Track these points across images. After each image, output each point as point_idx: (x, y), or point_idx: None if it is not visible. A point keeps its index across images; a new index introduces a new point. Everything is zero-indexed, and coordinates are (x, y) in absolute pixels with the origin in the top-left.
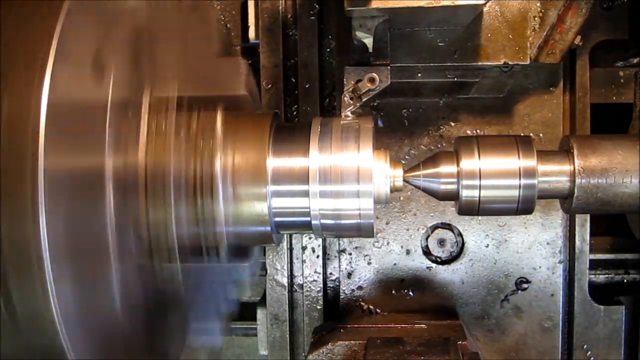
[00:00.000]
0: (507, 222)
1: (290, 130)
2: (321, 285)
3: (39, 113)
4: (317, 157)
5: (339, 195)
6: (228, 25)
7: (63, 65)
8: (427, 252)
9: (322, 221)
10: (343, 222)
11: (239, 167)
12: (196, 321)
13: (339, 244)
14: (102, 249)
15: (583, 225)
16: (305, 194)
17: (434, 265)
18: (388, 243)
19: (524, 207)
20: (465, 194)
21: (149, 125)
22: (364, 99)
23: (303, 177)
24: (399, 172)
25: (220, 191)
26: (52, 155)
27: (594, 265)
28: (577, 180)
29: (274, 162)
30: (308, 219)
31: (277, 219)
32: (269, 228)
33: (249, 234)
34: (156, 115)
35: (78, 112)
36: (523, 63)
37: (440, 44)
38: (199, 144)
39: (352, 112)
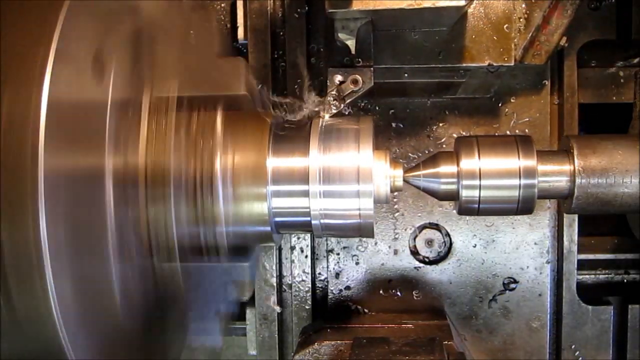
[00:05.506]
0: (494, 222)
1: (290, 130)
2: (310, 285)
3: (39, 113)
4: (317, 157)
5: (339, 195)
6: (228, 25)
7: (63, 65)
8: (414, 252)
9: (322, 221)
10: (343, 222)
11: (239, 167)
12: (196, 321)
13: (327, 244)
14: (102, 249)
15: (571, 226)
16: (306, 194)
17: (421, 265)
18: (376, 243)
19: (524, 207)
20: (465, 194)
21: (149, 124)
22: (348, 100)
23: (303, 177)
24: (398, 172)
25: (220, 191)
26: (52, 155)
27: (583, 265)
28: (577, 180)
29: (274, 162)
30: (308, 219)
31: (278, 219)
32: (269, 228)
33: (250, 234)
34: (156, 115)
35: (78, 111)
36: (507, 64)
37: (425, 45)
38: (199, 144)
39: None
